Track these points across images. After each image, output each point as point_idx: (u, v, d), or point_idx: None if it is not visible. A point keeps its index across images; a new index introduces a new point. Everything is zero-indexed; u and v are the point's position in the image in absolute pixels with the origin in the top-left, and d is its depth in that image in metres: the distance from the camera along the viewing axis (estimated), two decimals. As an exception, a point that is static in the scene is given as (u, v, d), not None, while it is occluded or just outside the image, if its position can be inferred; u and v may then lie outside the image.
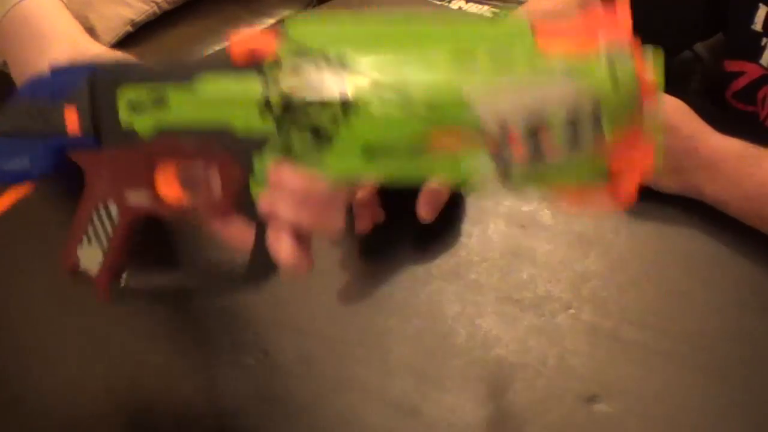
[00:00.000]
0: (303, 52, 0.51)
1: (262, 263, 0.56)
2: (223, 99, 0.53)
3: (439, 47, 0.49)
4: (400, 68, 0.50)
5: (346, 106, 0.50)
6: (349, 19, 0.51)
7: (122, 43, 0.76)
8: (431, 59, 0.49)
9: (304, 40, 0.51)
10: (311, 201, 0.53)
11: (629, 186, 0.48)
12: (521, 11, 0.99)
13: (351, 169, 0.52)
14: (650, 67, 0.47)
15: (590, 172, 0.48)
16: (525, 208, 0.77)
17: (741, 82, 0.97)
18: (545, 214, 0.77)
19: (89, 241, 0.60)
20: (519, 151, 0.47)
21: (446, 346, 0.66)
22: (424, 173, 0.52)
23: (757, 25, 0.92)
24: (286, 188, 0.53)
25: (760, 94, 0.95)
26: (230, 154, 0.54)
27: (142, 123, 0.55)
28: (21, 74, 0.78)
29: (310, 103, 0.51)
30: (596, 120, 0.46)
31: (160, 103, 0.54)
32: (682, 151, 0.75)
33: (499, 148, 0.47)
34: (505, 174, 0.47)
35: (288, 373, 0.65)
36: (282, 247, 0.54)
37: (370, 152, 0.51)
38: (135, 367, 0.65)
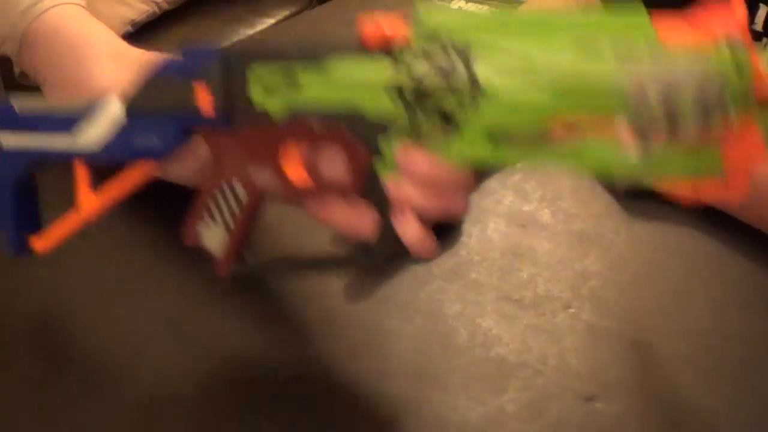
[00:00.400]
0: (434, 38, 0.52)
1: (388, 246, 0.57)
2: (353, 82, 0.54)
3: (564, 36, 0.51)
4: (527, 55, 0.51)
5: (474, 92, 0.52)
6: (475, 13, 0.54)
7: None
8: (556, 46, 0.51)
9: (435, 26, 0.53)
10: (438, 185, 0.55)
11: (743, 178, 0.50)
12: (520, 9, 0.99)
13: (477, 155, 0.54)
14: (762, 62, 0.49)
15: (709, 161, 0.50)
16: (525, 207, 0.77)
17: (741, 82, 0.97)
18: (545, 214, 0.77)
19: (213, 219, 0.61)
20: (660, 137, 0.48)
21: (446, 345, 0.66)
22: (549, 160, 0.54)
23: (758, 25, 0.92)
24: (415, 172, 0.54)
25: (760, 95, 0.95)
26: (358, 136, 0.55)
27: (274, 103, 0.56)
28: (55, 86, 0.76)
29: (439, 88, 0.53)
30: (723, 105, 0.47)
31: (291, 83, 0.55)
32: None
33: (640, 133, 0.48)
34: (643, 160, 0.48)
35: (288, 373, 0.65)
36: (410, 230, 0.56)
37: (497, 138, 0.53)
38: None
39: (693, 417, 0.61)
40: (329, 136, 0.56)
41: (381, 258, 0.59)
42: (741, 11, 0.50)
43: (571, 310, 0.68)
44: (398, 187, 0.55)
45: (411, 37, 0.53)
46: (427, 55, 0.53)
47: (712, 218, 0.74)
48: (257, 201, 0.60)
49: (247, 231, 0.61)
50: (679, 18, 0.50)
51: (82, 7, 0.78)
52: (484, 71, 0.52)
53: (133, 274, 0.71)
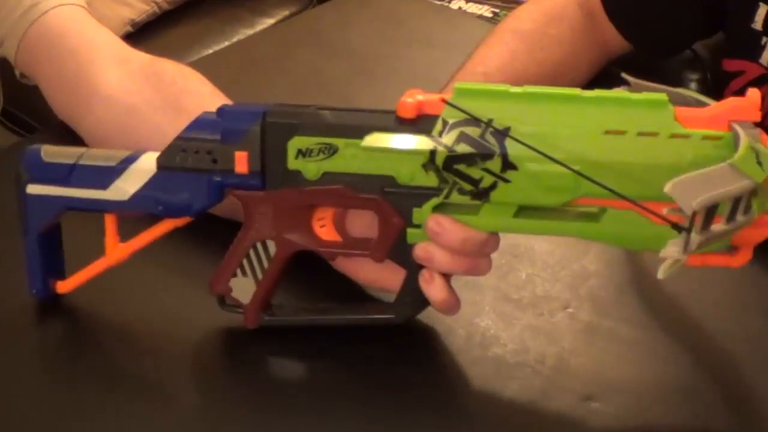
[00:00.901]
0: (468, 117, 0.56)
1: (411, 301, 0.62)
2: (390, 154, 0.58)
3: (594, 124, 0.56)
4: (557, 137, 0.56)
5: (507, 169, 0.57)
6: (501, 87, 0.58)
7: (122, 43, 0.77)
8: (585, 129, 0.56)
9: (470, 104, 0.57)
10: (466, 250, 0.59)
11: (749, 252, 0.58)
12: (523, 10, 0.99)
13: (503, 224, 0.59)
14: None
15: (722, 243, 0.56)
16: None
17: (740, 82, 0.97)
18: (544, 214, 0.77)
19: (243, 272, 0.62)
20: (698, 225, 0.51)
21: (445, 345, 0.66)
22: (568, 234, 0.60)
23: (758, 24, 0.91)
24: (446, 238, 0.58)
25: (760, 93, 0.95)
26: (391, 203, 0.59)
27: (310, 167, 0.59)
28: (54, 89, 0.76)
29: (474, 165, 0.57)
30: (749, 202, 0.52)
31: (330, 153, 0.59)
32: None
33: (682, 223, 0.51)
34: (685, 245, 0.51)
35: (287, 373, 0.65)
36: (436, 289, 0.60)
37: (522, 210, 0.58)
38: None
39: (693, 417, 0.61)
40: (362, 201, 0.59)
41: (404, 313, 0.63)
42: (756, 103, 0.55)
43: (570, 310, 0.68)
44: (426, 249, 0.59)
45: (446, 113, 0.57)
46: (465, 135, 0.57)
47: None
48: (288, 255, 0.62)
49: (276, 282, 0.63)
50: (704, 111, 0.56)
51: (83, 8, 0.77)
52: (518, 152, 0.56)
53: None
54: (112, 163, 0.62)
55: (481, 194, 0.57)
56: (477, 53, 0.92)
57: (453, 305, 0.61)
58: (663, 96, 0.56)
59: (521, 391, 0.62)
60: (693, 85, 1.08)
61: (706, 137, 0.55)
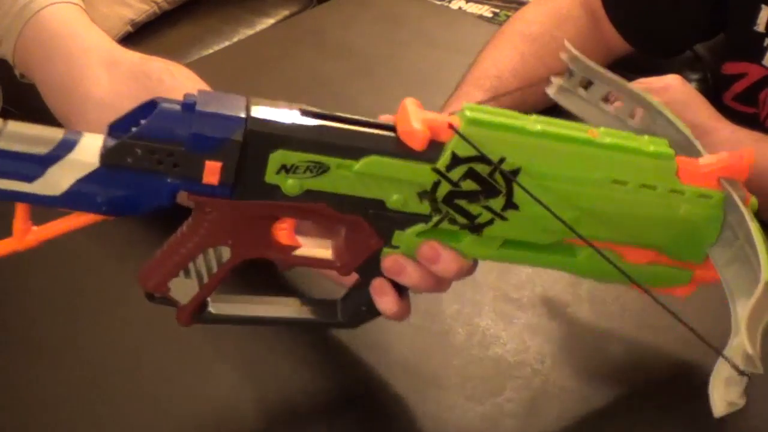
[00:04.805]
0: (483, 160, 0.53)
1: (359, 308, 0.58)
2: (385, 179, 0.53)
3: (603, 173, 0.55)
4: (562, 180, 0.54)
5: (507, 208, 0.54)
6: (517, 121, 0.54)
7: (122, 43, 0.76)
8: (593, 181, 0.55)
9: (481, 135, 0.52)
10: (447, 277, 0.57)
11: (694, 287, 0.62)
12: (528, 11, 0.99)
13: (486, 254, 0.57)
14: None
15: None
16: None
17: (742, 84, 0.97)
18: (544, 213, 0.76)
19: (187, 275, 0.55)
20: None
21: (444, 344, 0.66)
22: (547, 266, 0.60)
23: (760, 26, 0.91)
24: (440, 267, 0.56)
25: (762, 96, 0.95)
26: (372, 224, 0.55)
27: (290, 184, 0.52)
28: (50, 89, 0.75)
29: (476, 200, 0.54)
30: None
31: (318, 172, 0.52)
32: (701, 132, 0.73)
33: None
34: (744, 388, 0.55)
35: (286, 373, 0.65)
36: (389, 302, 0.57)
37: (510, 244, 0.57)
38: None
39: (692, 417, 0.61)
40: (341, 219, 0.54)
41: (348, 317, 0.59)
42: (749, 162, 0.57)
43: (570, 310, 0.68)
44: (398, 262, 0.56)
45: (452, 144, 0.52)
46: (473, 172, 0.53)
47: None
48: (241, 262, 0.55)
49: (218, 283, 0.56)
50: (701, 164, 0.58)
51: (78, 5, 0.77)
52: (523, 194, 0.53)
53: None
54: (42, 150, 0.50)
55: (475, 228, 0.55)
56: (487, 55, 0.92)
57: (404, 314, 0.58)
58: (670, 151, 0.57)
59: (521, 391, 0.62)
60: (693, 84, 1.08)
61: (700, 195, 0.57)
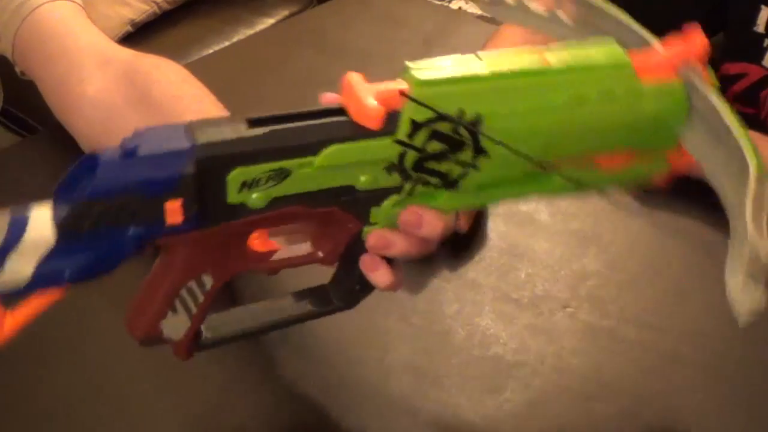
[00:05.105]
0: (443, 118, 0.51)
1: (352, 288, 0.57)
2: (349, 164, 0.51)
3: (563, 96, 0.54)
4: (525, 113, 0.53)
5: (477, 155, 0.53)
6: (466, 69, 0.53)
7: (122, 43, 0.76)
8: (555, 106, 0.53)
9: (435, 92, 0.51)
10: (432, 237, 0.55)
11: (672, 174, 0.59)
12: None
13: (467, 203, 0.56)
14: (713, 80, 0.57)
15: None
16: (523, 207, 0.77)
17: (742, 84, 0.97)
18: (543, 213, 0.77)
19: (175, 312, 0.54)
20: None
21: (445, 344, 0.66)
22: (527, 195, 0.59)
23: (760, 27, 0.91)
24: (425, 230, 0.54)
25: (762, 96, 0.95)
26: (348, 211, 0.53)
27: (255, 197, 0.50)
28: (49, 87, 0.75)
29: (445, 158, 0.52)
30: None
31: (281, 178, 0.50)
32: None
33: None
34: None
35: (286, 373, 0.65)
36: (383, 275, 0.56)
37: (486, 185, 0.55)
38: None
39: (692, 417, 0.61)
40: (316, 214, 0.53)
41: (343, 300, 0.58)
42: (700, 41, 0.56)
43: (570, 310, 0.68)
44: (384, 237, 0.55)
45: (406, 111, 0.50)
46: (436, 132, 0.51)
47: (712, 217, 0.74)
48: (225, 282, 0.54)
49: (207, 310, 0.55)
50: (655, 56, 0.56)
51: (75, 3, 0.77)
52: (487, 140, 0.52)
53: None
54: None
55: (450, 184, 0.54)
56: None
57: (400, 284, 0.57)
58: (625, 58, 0.55)
59: (521, 391, 0.62)
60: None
61: (662, 90, 0.55)
